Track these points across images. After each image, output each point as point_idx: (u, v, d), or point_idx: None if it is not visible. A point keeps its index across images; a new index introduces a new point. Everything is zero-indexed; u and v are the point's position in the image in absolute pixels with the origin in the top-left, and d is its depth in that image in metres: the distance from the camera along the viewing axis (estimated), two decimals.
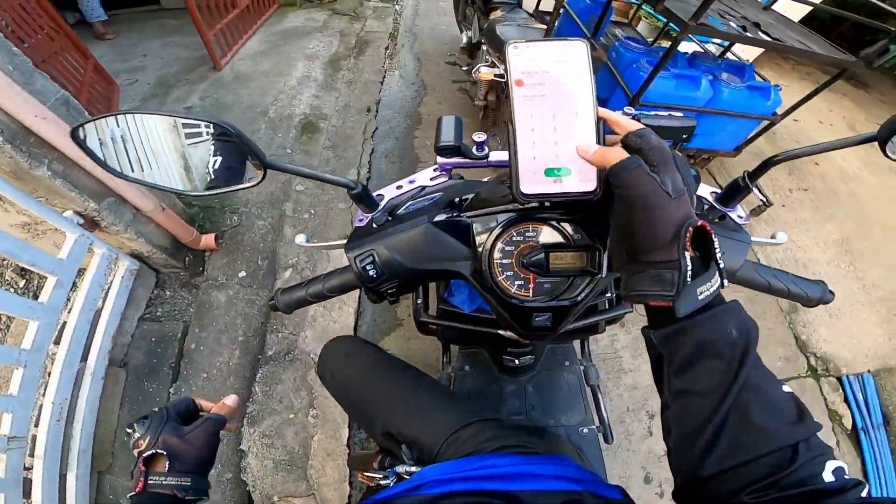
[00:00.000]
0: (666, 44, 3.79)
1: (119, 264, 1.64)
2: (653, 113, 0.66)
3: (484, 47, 2.61)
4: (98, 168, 1.37)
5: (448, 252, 0.61)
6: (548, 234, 0.58)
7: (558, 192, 0.48)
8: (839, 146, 0.57)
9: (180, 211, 1.88)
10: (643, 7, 3.78)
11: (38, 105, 1.18)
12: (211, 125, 0.51)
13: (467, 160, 0.64)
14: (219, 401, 0.68)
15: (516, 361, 1.04)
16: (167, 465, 0.55)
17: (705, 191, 0.71)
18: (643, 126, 0.44)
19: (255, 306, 1.91)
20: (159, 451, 0.56)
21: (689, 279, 0.37)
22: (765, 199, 0.67)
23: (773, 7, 2.98)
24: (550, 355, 1.16)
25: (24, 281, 1.91)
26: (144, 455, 0.56)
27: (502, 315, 0.62)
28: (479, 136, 0.63)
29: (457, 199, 0.66)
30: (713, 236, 0.39)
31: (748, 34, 2.28)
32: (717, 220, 0.68)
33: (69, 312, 1.44)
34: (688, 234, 0.37)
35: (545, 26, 2.61)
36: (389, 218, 0.64)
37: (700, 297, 0.37)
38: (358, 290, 0.68)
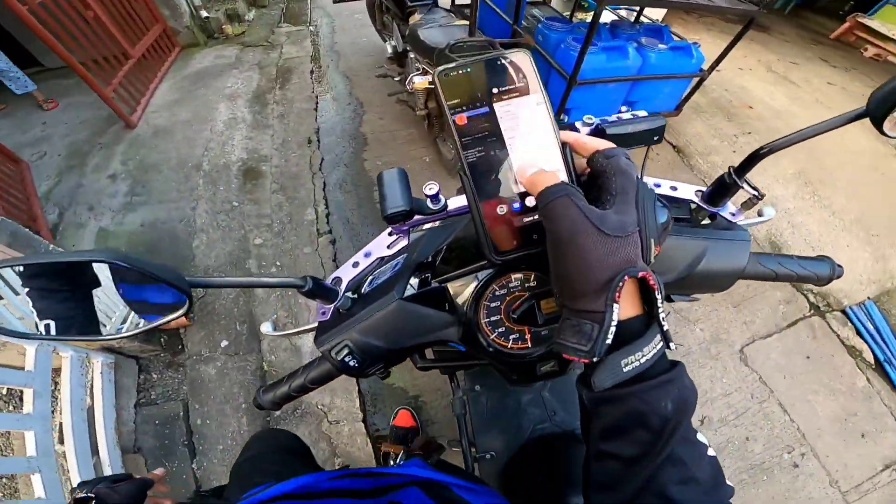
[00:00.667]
0: (583, 17, 3.90)
1: (92, 361, 1.66)
2: (614, 117, 0.60)
3: (411, 54, 2.56)
4: None
5: (428, 323, 0.55)
6: (533, 278, 0.53)
7: (534, 243, 0.42)
8: (829, 128, 0.50)
9: None
10: None
11: None
12: (103, 263, 0.41)
13: (422, 217, 0.58)
14: None
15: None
16: None
17: (689, 191, 0.66)
18: (613, 145, 0.39)
19: (247, 372, 1.84)
20: (90, 494, 0.59)
21: (608, 338, 0.32)
22: (756, 192, 0.61)
23: None
24: None
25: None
26: (77, 497, 0.59)
27: (504, 371, 0.58)
28: (431, 188, 0.55)
29: (424, 261, 0.59)
30: (657, 292, 0.33)
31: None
32: (707, 220, 0.64)
33: (61, 414, 1.50)
34: (621, 285, 0.32)
35: (466, 21, 2.57)
36: (355, 297, 0.59)
37: (625, 370, 0.33)
38: None
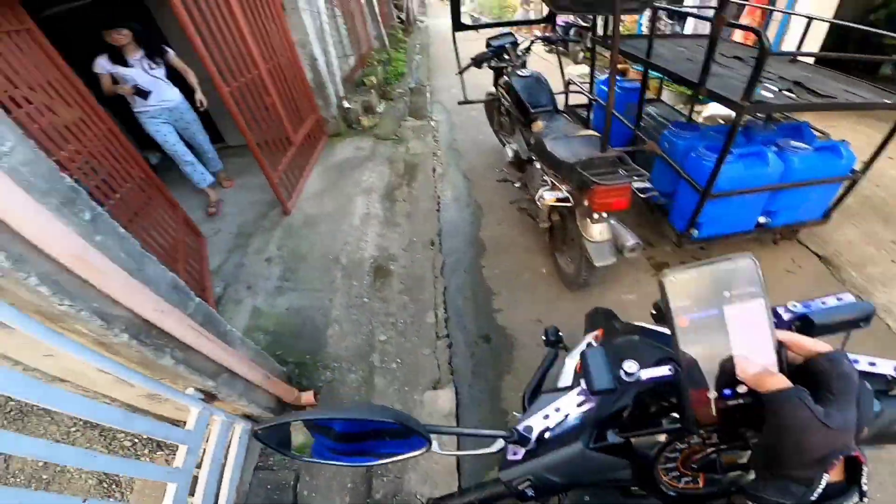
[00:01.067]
0: (701, 109, 3.77)
1: (236, 426, 1.83)
2: (819, 302, 0.63)
3: (537, 165, 2.63)
4: (214, 349, 1.46)
5: (605, 468, 0.63)
6: (715, 436, 0.56)
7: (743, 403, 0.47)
8: None
9: (280, 374, 2.04)
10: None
11: (154, 297, 1.26)
12: (394, 422, 0.58)
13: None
14: None
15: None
16: None
17: (888, 366, 0.61)
18: (830, 348, 0.43)
19: (355, 477, 1.90)
20: None
21: (813, 497, 0.37)
22: None
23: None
24: None
25: (131, 444, 2.10)
26: None
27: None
28: (631, 367, 0.58)
29: (609, 413, 0.67)
30: (864, 465, 0.38)
31: (803, 100, 2.23)
32: None
33: (199, 469, 1.62)
34: (835, 462, 0.36)
35: (591, 132, 2.58)
36: (540, 439, 0.68)
37: None
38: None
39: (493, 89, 3.56)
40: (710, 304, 0.46)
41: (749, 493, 0.42)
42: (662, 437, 0.61)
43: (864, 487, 0.38)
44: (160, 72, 3.08)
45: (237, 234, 3.33)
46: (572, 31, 5.88)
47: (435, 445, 0.78)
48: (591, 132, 2.57)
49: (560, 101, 3.35)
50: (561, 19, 3.68)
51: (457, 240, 3.14)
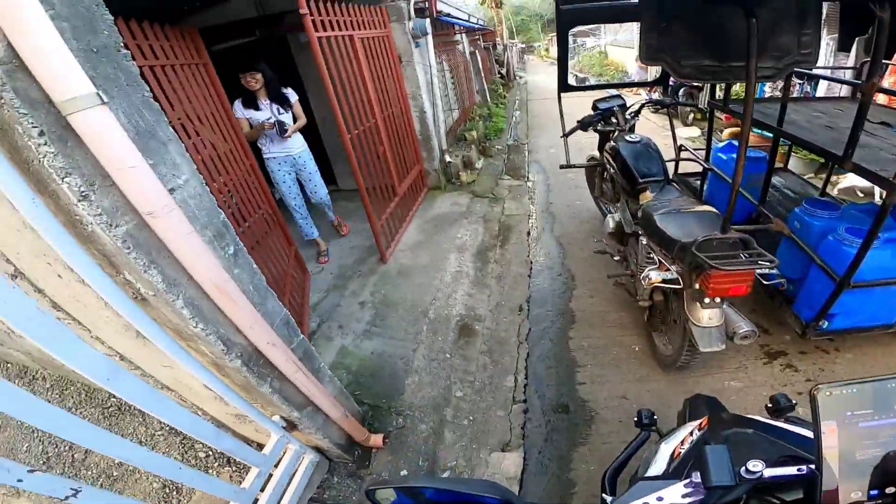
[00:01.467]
0: (838, 179, 3.27)
1: (305, 457, 1.88)
2: None
3: (643, 240, 2.41)
4: (306, 383, 1.52)
5: None
6: None
7: None
8: None
9: (356, 413, 2.11)
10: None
11: (269, 330, 1.36)
12: (500, 499, 0.64)
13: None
14: None
15: None
16: None
17: None
18: None
19: None
20: None
21: None
22: None
23: None
24: None
25: (205, 455, 2.21)
26: None
27: None
28: (756, 466, 0.61)
29: None
30: None
31: None
32: None
33: (261, 492, 1.67)
34: None
35: (708, 207, 2.33)
36: None
37: None
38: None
39: (595, 153, 3.46)
40: (867, 416, 0.51)
41: None
42: None
43: None
44: (287, 117, 3.19)
45: (337, 275, 3.59)
46: (681, 92, 5.64)
47: None
48: (708, 208, 2.32)
49: (670, 167, 3.14)
50: (672, 79, 3.52)
51: (545, 307, 3.07)
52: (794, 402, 0.95)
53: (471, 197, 4.75)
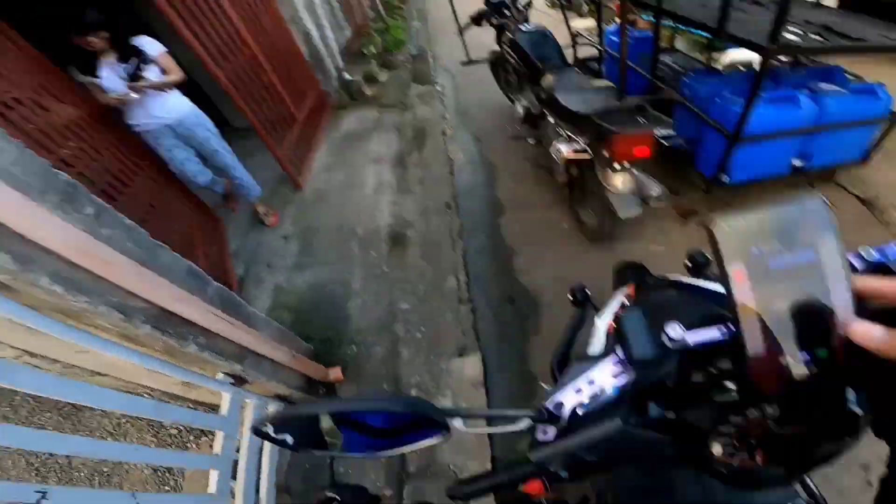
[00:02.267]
0: (717, 56, 3.59)
1: (269, 409, 1.82)
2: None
3: (550, 119, 2.56)
4: (236, 332, 1.46)
5: (647, 445, 0.55)
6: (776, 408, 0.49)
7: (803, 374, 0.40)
8: None
9: (307, 351, 2.05)
10: (683, 27, 3.62)
11: (169, 285, 1.26)
12: (411, 412, 0.52)
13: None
14: None
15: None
16: None
17: None
18: None
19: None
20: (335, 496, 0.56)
21: None
22: None
23: None
24: None
25: (177, 431, 2.16)
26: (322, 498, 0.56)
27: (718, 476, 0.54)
28: (675, 330, 0.52)
29: (649, 384, 0.57)
30: None
31: (833, 42, 2.09)
32: None
33: (238, 452, 1.65)
34: None
35: (605, 82, 2.50)
36: (573, 415, 0.60)
37: None
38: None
39: (496, 48, 3.43)
40: (774, 251, 0.39)
41: None
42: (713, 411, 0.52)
43: None
44: (153, 73, 2.40)
45: (252, 212, 3.27)
46: None
47: (459, 422, 0.74)
48: (605, 82, 2.50)
49: (569, 56, 3.21)
50: None
51: (473, 202, 3.09)
52: (699, 253, 0.94)
53: (379, 109, 4.49)
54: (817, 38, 2.11)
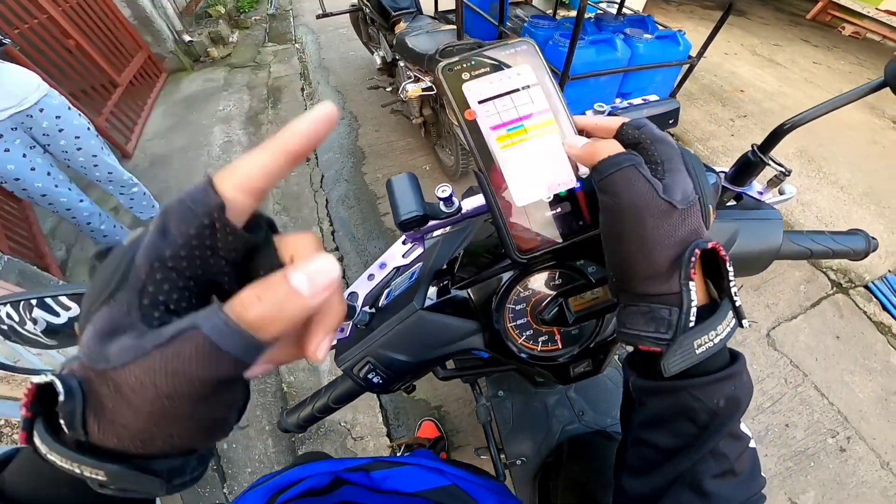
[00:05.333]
0: (566, 14, 3.94)
1: None
2: (626, 104, 0.62)
3: (401, 63, 2.56)
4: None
5: (452, 333, 0.52)
6: (558, 276, 0.49)
7: (560, 237, 0.39)
8: (848, 100, 0.51)
9: None
10: None
11: None
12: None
13: (436, 222, 0.55)
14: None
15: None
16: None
17: (712, 171, 0.64)
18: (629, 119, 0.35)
19: (267, 395, 1.83)
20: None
21: (690, 321, 0.29)
22: (783, 169, 0.60)
23: None
24: None
25: None
26: (37, 383, 0.20)
27: (531, 374, 0.57)
28: (444, 191, 0.51)
29: (443, 266, 0.55)
30: (727, 264, 0.30)
31: None
32: (733, 202, 0.63)
33: None
34: (693, 259, 0.29)
35: (452, 26, 2.58)
36: (372, 311, 0.55)
37: (698, 352, 0.30)
38: None
39: (356, 1, 3.33)
40: (491, 91, 0.37)
41: (620, 334, 0.34)
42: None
43: (737, 301, 0.30)
44: None
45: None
46: None
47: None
48: (452, 26, 2.55)
49: (430, 8, 3.22)
50: None
51: (334, 152, 2.97)
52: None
53: (228, 70, 4.06)
54: None
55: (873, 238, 0.64)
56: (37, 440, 0.21)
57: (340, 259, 2.29)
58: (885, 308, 2.19)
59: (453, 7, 3.73)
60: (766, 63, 4.34)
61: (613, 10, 3.28)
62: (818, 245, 0.63)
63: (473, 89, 0.37)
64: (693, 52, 2.81)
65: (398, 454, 1.48)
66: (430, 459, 0.63)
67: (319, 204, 2.54)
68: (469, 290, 0.51)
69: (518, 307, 0.50)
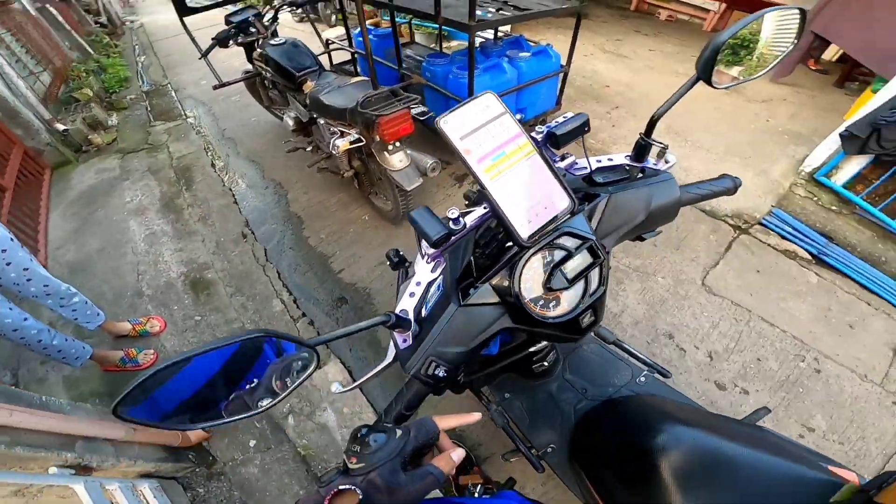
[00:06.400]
0: (448, 46, 4.27)
1: (140, 489, 1.60)
2: (554, 122, 0.85)
3: (321, 121, 2.62)
4: (41, 421, 1.33)
5: (487, 317, 0.69)
6: (549, 255, 0.69)
7: (549, 218, 0.64)
8: (680, 95, 0.77)
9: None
10: (417, 23, 4.18)
11: None
12: (259, 339, 0.54)
13: (456, 237, 0.73)
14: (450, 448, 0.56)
15: (545, 364, 1.18)
16: None
17: (620, 158, 0.90)
18: None
19: (287, 462, 1.79)
20: (358, 488, 0.46)
21: None
22: (662, 144, 0.87)
23: None
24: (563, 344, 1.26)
25: None
26: (338, 487, 0.46)
27: (555, 335, 0.74)
28: (452, 213, 0.71)
29: (461, 272, 0.74)
30: None
31: (511, 13, 2.68)
32: (638, 176, 0.86)
33: None
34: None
35: (359, 77, 2.68)
36: (420, 326, 0.72)
37: None
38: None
39: (250, 67, 3.29)
40: (475, 126, 0.61)
41: None
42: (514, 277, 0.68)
43: None
44: None
45: None
46: None
47: (336, 387, 0.77)
48: (361, 78, 2.65)
49: (325, 64, 3.30)
50: None
51: (269, 223, 2.93)
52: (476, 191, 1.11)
53: (120, 157, 3.78)
54: (502, 12, 2.70)
55: (737, 178, 0.91)
56: None
57: (311, 323, 2.31)
58: (784, 237, 2.57)
59: (348, 59, 3.92)
60: (615, 58, 5.07)
61: (490, 35, 3.61)
62: (703, 190, 0.90)
63: (453, 126, 0.59)
64: (563, 61, 3.23)
65: (475, 494, 1.49)
66: (517, 499, 0.72)
67: (272, 277, 2.51)
68: (490, 283, 0.69)
69: (528, 285, 0.67)
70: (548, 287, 0.67)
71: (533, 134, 0.78)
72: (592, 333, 1.10)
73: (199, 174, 3.42)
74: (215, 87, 3.07)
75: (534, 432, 1.21)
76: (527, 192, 0.63)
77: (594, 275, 0.71)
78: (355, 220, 2.86)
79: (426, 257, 0.78)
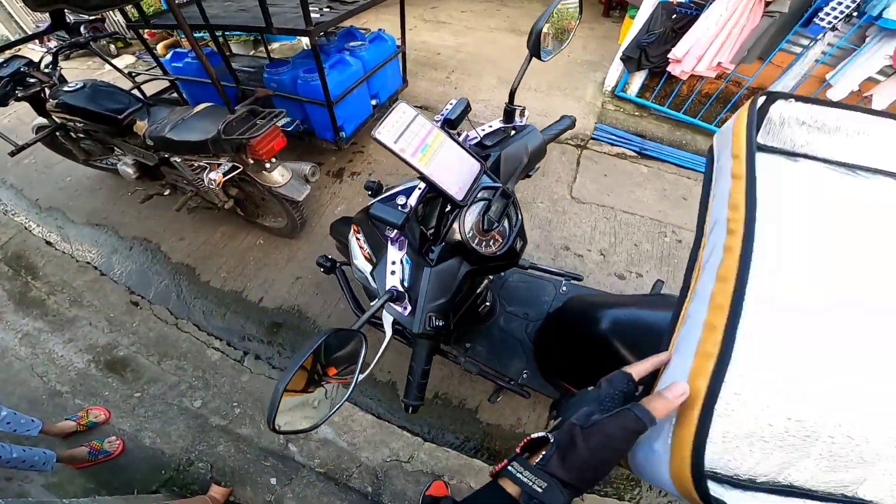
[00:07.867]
0: (272, 48, 4.07)
1: None
2: (482, 131, 1.10)
3: (176, 160, 2.37)
4: None
5: (454, 270, 0.91)
6: (477, 206, 0.91)
7: (471, 181, 0.84)
8: (524, 70, 1.04)
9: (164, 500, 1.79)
10: (229, 34, 3.93)
11: None
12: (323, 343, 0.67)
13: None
14: None
15: (487, 304, 1.41)
16: (543, 457, 0.44)
17: (497, 123, 1.14)
18: None
19: (316, 485, 1.83)
20: (549, 434, 0.45)
21: None
22: (521, 107, 1.13)
23: None
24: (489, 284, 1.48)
25: None
26: (533, 437, 0.47)
27: (500, 264, 0.98)
28: (401, 199, 0.89)
29: (420, 237, 0.94)
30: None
31: (341, 10, 2.75)
32: (513, 133, 1.12)
33: None
34: None
35: (204, 104, 2.46)
36: (407, 292, 0.90)
37: None
38: None
39: (41, 121, 2.73)
40: (402, 129, 0.75)
41: None
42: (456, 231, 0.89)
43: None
44: None
45: None
46: (83, 29, 4.86)
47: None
48: (203, 105, 2.41)
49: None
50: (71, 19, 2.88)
51: (155, 282, 2.65)
52: (376, 181, 1.19)
53: None
54: (331, 10, 2.73)
55: (573, 116, 1.24)
56: (511, 467, 0.44)
57: (257, 357, 2.25)
58: (612, 144, 3.26)
59: (164, 86, 3.45)
60: (437, 25, 5.41)
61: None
62: (555, 130, 1.20)
63: (386, 136, 0.72)
64: (398, 42, 3.41)
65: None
66: None
67: (191, 331, 2.35)
68: (444, 242, 0.89)
69: (470, 233, 0.89)
70: (484, 230, 0.89)
71: (471, 134, 1.01)
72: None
73: (38, 258, 2.85)
74: (12, 154, 2.54)
75: (505, 366, 1.40)
76: (451, 168, 0.82)
77: (512, 212, 0.94)
78: (251, 247, 2.75)
79: (395, 242, 0.93)
